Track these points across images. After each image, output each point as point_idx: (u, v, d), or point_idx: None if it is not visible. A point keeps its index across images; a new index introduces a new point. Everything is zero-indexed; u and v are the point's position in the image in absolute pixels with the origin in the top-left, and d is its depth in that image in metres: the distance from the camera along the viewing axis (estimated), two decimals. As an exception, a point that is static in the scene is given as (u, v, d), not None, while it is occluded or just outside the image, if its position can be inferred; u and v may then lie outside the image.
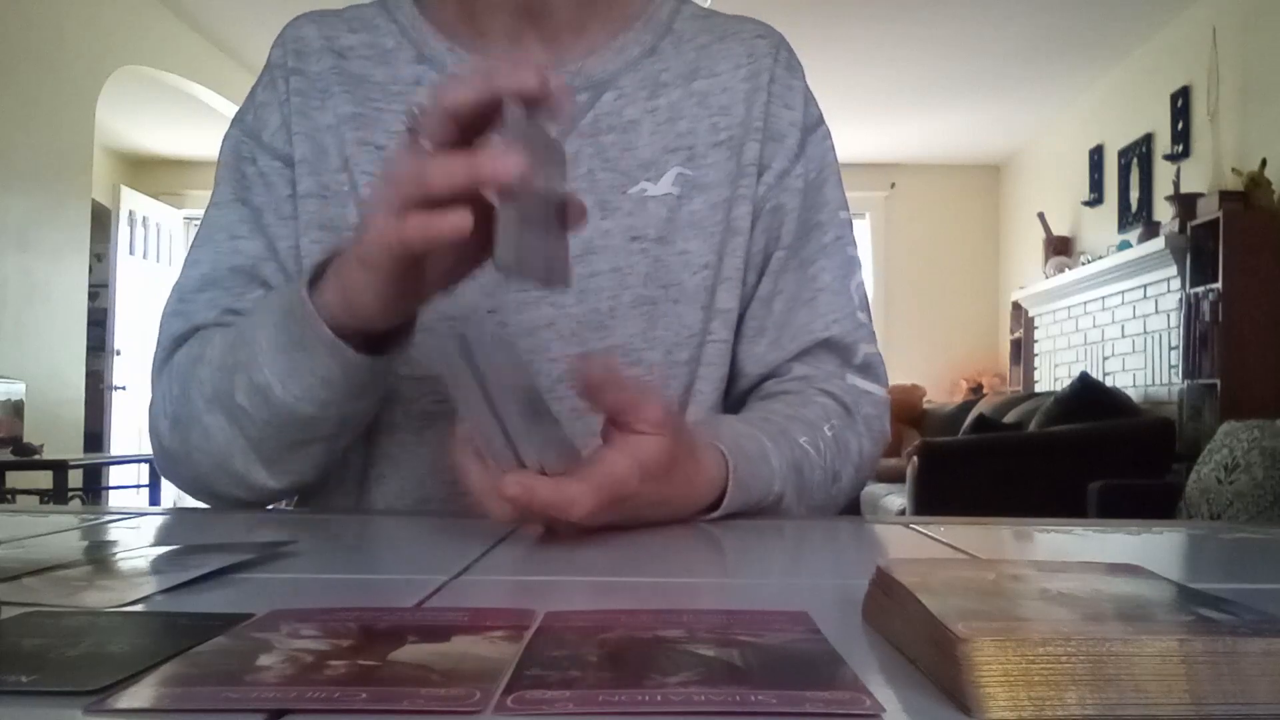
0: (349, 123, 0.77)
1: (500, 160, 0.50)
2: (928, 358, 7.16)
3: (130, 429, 6.28)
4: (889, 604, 0.31)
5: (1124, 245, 4.84)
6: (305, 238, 0.76)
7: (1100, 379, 4.76)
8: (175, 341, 0.76)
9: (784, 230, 0.80)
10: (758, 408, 0.77)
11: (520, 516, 0.51)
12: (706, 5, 0.86)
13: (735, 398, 0.81)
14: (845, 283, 0.81)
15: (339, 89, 0.78)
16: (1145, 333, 4.78)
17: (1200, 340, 3.91)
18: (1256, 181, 3.88)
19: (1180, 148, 4.65)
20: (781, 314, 0.80)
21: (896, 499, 4.59)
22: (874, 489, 4.98)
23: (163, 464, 0.75)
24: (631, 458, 0.53)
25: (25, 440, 3.96)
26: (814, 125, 0.83)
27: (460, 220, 0.51)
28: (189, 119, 6.25)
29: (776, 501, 0.68)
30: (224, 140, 0.81)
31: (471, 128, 0.53)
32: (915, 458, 3.86)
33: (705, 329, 0.78)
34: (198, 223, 0.82)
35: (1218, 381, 3.78)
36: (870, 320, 0.82)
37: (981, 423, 4.84)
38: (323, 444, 0.69)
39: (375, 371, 0.64)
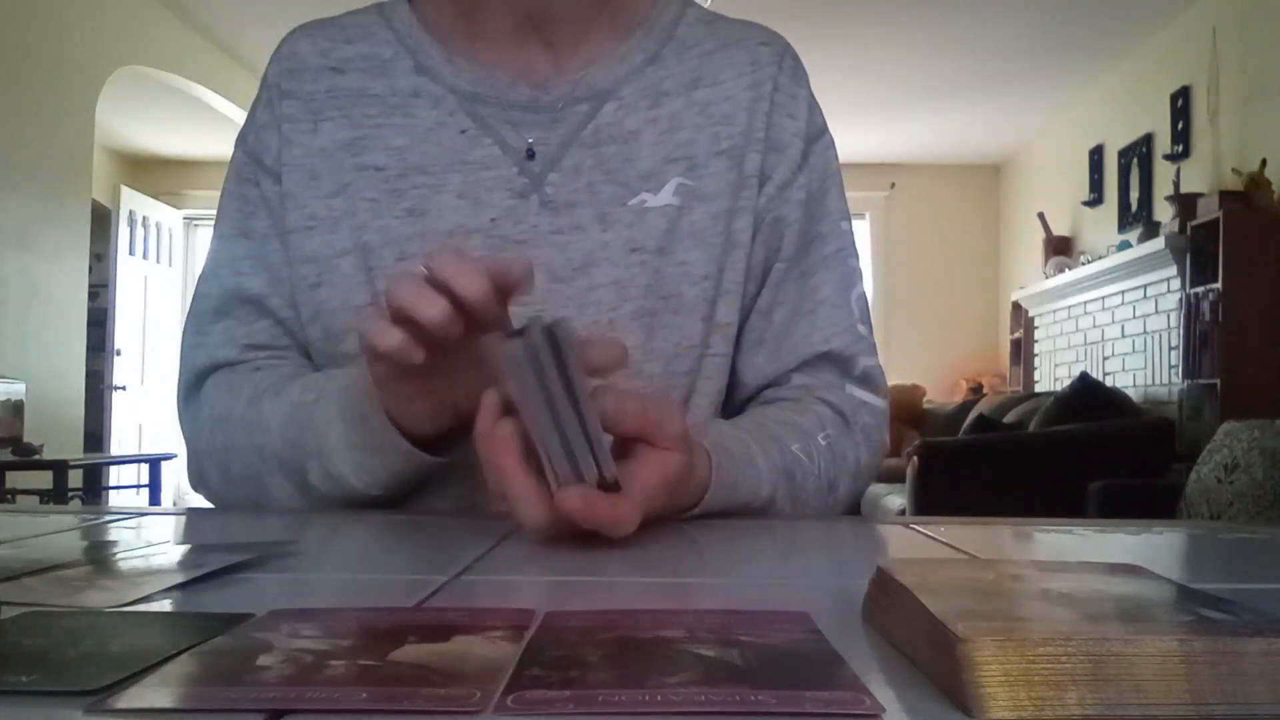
0: (347, 149, 0.76)
1: (423, 303, 0.52)
2: (928, 358, 7.17)
3: (130, 429, 6.28)
4: (889, 604, 0.31)
5: (1124, 245, 4.84)
6: (294, 273, 0.76)
7: (1100, 379, 4.76)
8: (198, 374, 0.78)
9: (785, 242, 0.79)
10: (752, 413, 0.77)
11: (554, 527, 0.50)
12: (706, 4, 0.85)
13: (733, 408, 0.80)
14: (845, 295, 0.80)
15: (335, 112, 0.77)
16: (1145, 333, 4.78)
17: (1200, 340, 3.91)
18: (1256, 181, 3.88)
19: (1180, 148, 4.65)
20: (781, 326, 0.79)
21: (896, 499, 4.59)
22: (874, 489, 4.98)
23: (209, 497, 0.77)
24: (661, 473, 0.53)
25: (25, 440, 3.96)
26: (817, 134, 0.82)
27: (397, 343, 0.54)
28: (189, 119, 6.25)
29: (767, 505, 0.68)
30: (230, 161, 0.82)
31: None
32: (915, 458, 3.86)
33: (705, 342, 0.77)
34: (198, 223, 0.83)
35: (1218, 381, 3.79)
36: (871, 332, 0.81)
37: (981, 423, 4.84)
38: (387, 503, 0.71)
39: (442, 465, 0.66)
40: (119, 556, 0.48)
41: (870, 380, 0.80)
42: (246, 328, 0.78)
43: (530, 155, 0.75)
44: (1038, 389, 6.05)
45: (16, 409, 4.02)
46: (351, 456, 0.65)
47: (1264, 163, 3.92)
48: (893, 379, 5.21)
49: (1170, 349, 4.48)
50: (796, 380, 0.79)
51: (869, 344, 0.81)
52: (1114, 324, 5.13)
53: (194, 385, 0.78)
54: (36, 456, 3.88)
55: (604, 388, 0.52)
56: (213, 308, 0.78)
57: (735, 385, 0.80)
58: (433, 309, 0.52)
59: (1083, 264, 5.42)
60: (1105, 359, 5.22)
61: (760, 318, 0.79)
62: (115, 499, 5.18)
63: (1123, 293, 4.98)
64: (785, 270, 0.79)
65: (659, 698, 0.24)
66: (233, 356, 0.77)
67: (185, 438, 0.78)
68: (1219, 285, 3.80)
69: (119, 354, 6.22)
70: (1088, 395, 4.29)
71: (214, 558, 0.43)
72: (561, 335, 0.48)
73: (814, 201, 0.81)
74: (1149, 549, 0.59)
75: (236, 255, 0.78)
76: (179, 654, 0.27)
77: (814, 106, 0.82)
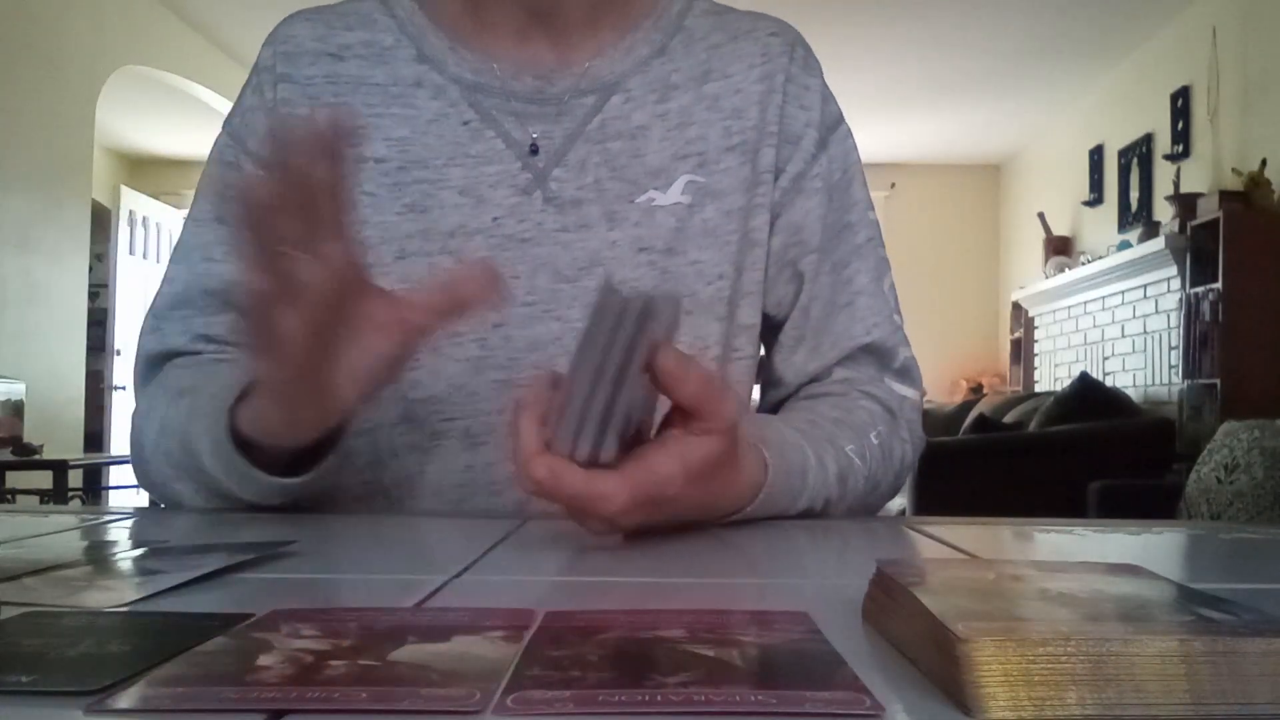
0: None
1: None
2: (928, 358, 7.15)
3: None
4: (889, 604, 0.31)
5: (1124, 245, 4.84)
6: None
7: (1100, 379, 4.76)
8: (150, 361, 0.76)
9: (807, 234, 0.78)
10: (804, 410, 0.75)
11: (544, 496, 0.48)
12: None
13: (770, 407, 0.79)
14: (880, 284, 0.79)
15: (333, 98, 0.75)
16: (1145, 333, 4.78)
17: (1200, 340, 3.92)
18: (1256, 181, 3.88)
19: (1180, 148, 4.65)
20: (819, 320, 0.78)
21: (897, 499, 4.59)
22: (874, 489, 4.98)
23: (145, 487, 0.75)
24: (679, 460, 0.50)
25: (25, 440, 3.96)
26: (834, 124, 0.81)
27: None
28: (189, 119, 6.25)
29: (806, 512, 0.66)
30: (213, 145, 0.79)
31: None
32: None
33: (728, 344, 0.76)
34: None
35: (1218, 381, 3.79)
36: (903, 321, 0.80)
37: (981, 423, 4.84)
38: (304, 503, 0.66)
39: (320, 483, 0.63)
40: (119, 556, 0.48)
41: (909, 373, 0.79)
42: (204, 319, 0.75)
43: (534, 150, 0.74)
44: (1038, 389, 6.05)
45: (16, 409, 4.02)
46: (230, 478, 0.62)
47: (1264, 163, 3.92)
48: (893, 379, 5.20)
49: (1170, 349, 4.48)
50: (838, 374, 0.78)
51: (904, 334, 0.80)
52: (1114, 324, 5.13)
53: (146, 373, 0.76)
54: (36, 456, 3.88)
55: (671, 349, 0.49)
56: (175, 294, 0.76)
57: (775, 385, 0.79)
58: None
59: (1083, 264, 5.42)
60: (1105, 359, 5.22)
61: (799, 314, 0.78)
62: (115, 499, 5.18)
63: (1123, 293, 4.98)
64: (817, 262, 0.78)
65: (659, 698, 0.24)
66: (184, 345, 0.75)
67: (133, 437, 0.75)
68: (1219, 285, 3.80)
69: (119, 354, 6.21)
70: (1088, 395, 4.29)
71: (214, 558, 0.43)
72: (650, 316, 0.46)
73: (839, 191, 0.80)
74: (1149, 549, 0.59)
75: (209, 240, 0.76)
76: (179, 654, 0.27)
77: (827, 96, 0.81)
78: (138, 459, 0.73)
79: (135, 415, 0.74)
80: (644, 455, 0.50)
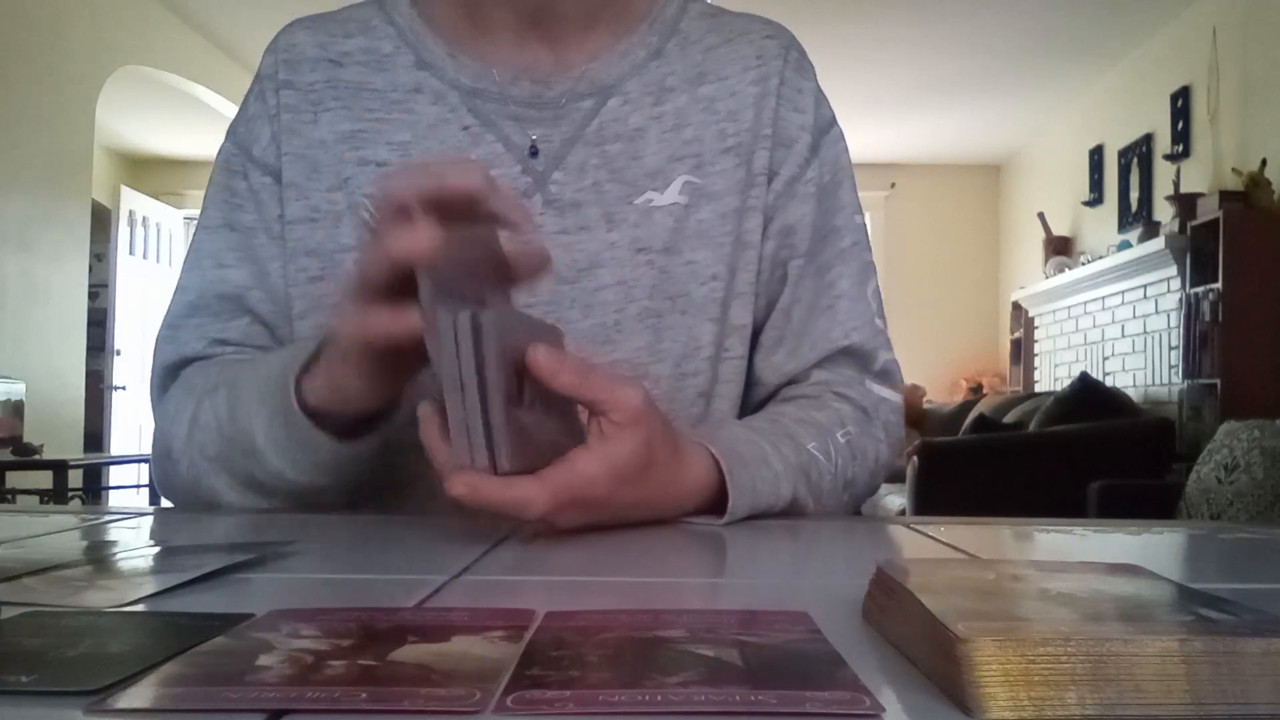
0: (347, 141, 0.75)
1: (410, 237, 0.49)
2: (928, 358, 7.16)
3: (130, 429, 6.28)
4: (889, 604, 0.31)
5: (1124, 245, 4.84)
6: (292, 264, 0.75)
7: (1100, 379, 4.76)
8: (167, 370, 0.76)
9: (798, 238, 0.78)
10: (768, 411, 0.76)
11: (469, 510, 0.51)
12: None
13: (751, 407, 0.80)
14: (863, 289, 0.79)
15: (335, 103, 0.76)
16: (1145, 333, 4.78)
17: (1200, 340, 3.91)
18: (1256, 181, 3.88)
19: (1180, 148, 4.65)
20: (800, 322, 0.78)
21: (896, 499, 4.59)
22: (874, 489, 4.98)
23: (166, 495, 0.75)
24: (603, 459, 0.52)
25: (25, 440, 3.96)
26: (826, 127, 0.81)
27: (404, 321, 0.52)
28: (189, 119, 6.25)
29: (791, 505, 0.67)
30: (218, 153, 0.80)
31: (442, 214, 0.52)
32: (915, 458, 3.86)
33: (720, 344, 0.76)
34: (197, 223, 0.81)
35: (1218, 381, 3.79)
36: (885, 326, 0.81)
37: (981, 423, 4.84)
38: (344, 492, 0.68)
39: (374, 452, 0.64)
40: (119, 556, 0.48)
41: (889, 376, 0.79)
42: (219, 324, 0.76)
43: (534, 153, 0.75)
44: (1038, 389, 6.05)
45: (16, 409, 4.02)
46: (282, 454, 0.63)
47: (1264, 163, 3.92)
48: (893, 379, 5.21)
49: (1170, 349, 4.48)
50: (816, 376, 0.78)
51: (886, 338, 0.80)
52: (1114, 324, 5.13)
53: (163, 381, 0.76)
54: (36, 456, 3.88)
55: (539, 347, 0.51)
56: (189, 301, 0.77)
57: (755, 384, 0.80)
58: (429, 236, 0.49)
59: (1083, 264, 5.42)
60: (1105, 359, 5.22)
61: (780, 316, 0.79)
62: (115, 499, 5.18)
63: (1123, 293, 4.98)
64: (803, 266, 0.78)
65: (659, 698, 0.24)
66: (200, 350, 0.76)
67: (157, 443, 0.75)
68: (1219, 285, 3.80)
69: (119, 354, 6.21)
70: (1088, 395, 4.29)
71: (214, 558, 0.43)
72: (485, 324, 0.49)
73: (827, 195, 0.80)
74: (1149, 549, 0.59)
75: (220, 246, 0.77)
76: (179, 654, 0.27)
77: (821, 99, 0.81)
78: (165, 462, 0.72)
79: (159, 422, 0.74)
80: (569, 458, 0.52)
